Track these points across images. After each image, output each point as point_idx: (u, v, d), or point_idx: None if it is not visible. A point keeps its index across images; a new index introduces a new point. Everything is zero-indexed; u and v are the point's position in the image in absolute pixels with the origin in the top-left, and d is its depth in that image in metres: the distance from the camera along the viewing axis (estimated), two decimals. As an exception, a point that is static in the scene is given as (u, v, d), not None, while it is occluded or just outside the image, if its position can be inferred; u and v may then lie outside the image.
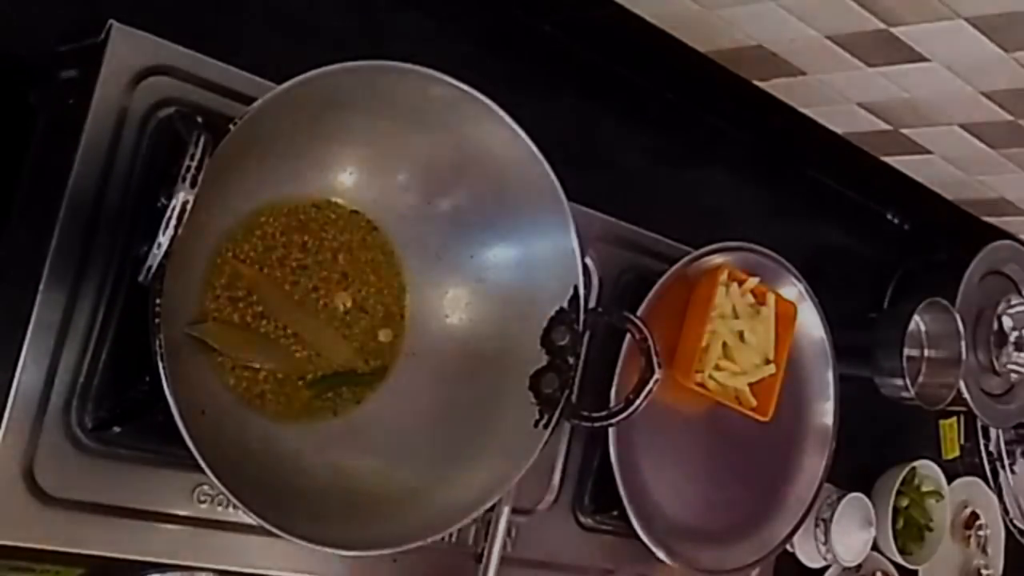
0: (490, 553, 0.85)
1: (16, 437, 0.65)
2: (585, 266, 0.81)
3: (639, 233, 0.97)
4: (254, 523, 0.64)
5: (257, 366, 0.73)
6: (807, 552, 1.25)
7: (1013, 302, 1.37)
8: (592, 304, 0.88)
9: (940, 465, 1.41)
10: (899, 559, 1.33)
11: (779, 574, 1.09)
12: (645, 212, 0.98)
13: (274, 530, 0.64)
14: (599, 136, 1.11)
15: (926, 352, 1.31)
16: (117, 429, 0.68)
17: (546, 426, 0.77)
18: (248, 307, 0.73)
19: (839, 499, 1.24)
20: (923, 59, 0.99)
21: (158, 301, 0.62)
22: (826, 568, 1.30)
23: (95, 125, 0.68)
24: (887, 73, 1.04)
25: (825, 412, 1.05)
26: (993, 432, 1.54)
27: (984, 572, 1.50)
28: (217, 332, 0.71)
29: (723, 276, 0.93)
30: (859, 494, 1.27)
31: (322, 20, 0.90)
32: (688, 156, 1.20)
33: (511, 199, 0.79)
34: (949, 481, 1.42)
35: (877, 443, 1.36)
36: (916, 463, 1.37)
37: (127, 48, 0.69)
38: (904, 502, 1.36)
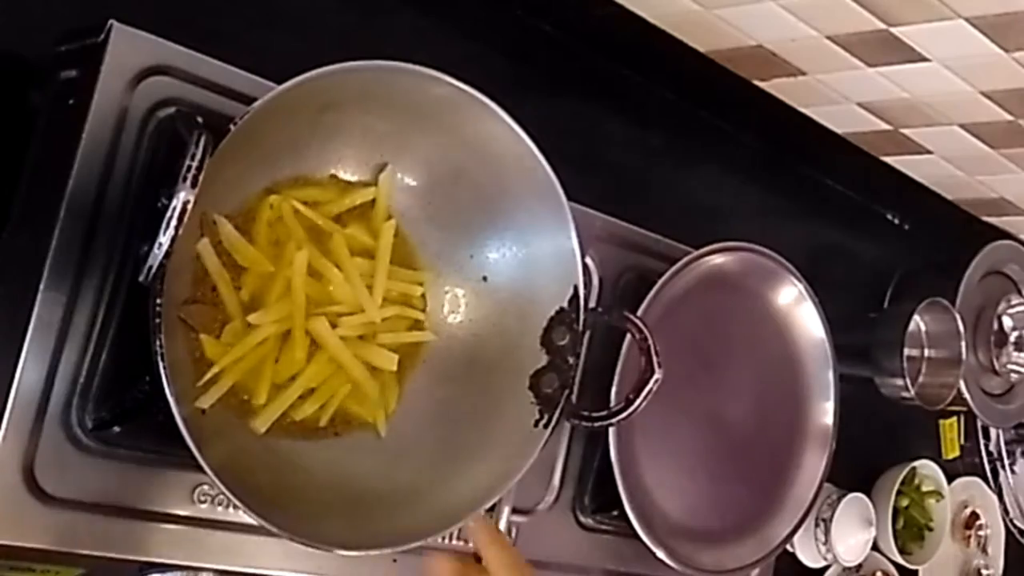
0: (490, 553, 0.85)
1: (16, 437, 0.65)
2: (585, 266, 0.81)
3: (639, 233, 0.97)
4: (254, 523, 0.64)
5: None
6: (807, 552, 1.26)
7: (1013, 302, 1.37)
8: (592, 304, 0.88)
9: (940, 465, 1.41)
10: (899, 559, 1.34)
11: (779, 574, 1.09)
12: (645, 212, 0.98)
13: (274, 530, 0.64)
14: (599, 136, 1.11)
15: (926, 352, 1.31)
16: (117, 429, 0.68)
17: (546, 426, 0.77)
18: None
19: (839, 499, 1.24)
20: (923, 59, 0.99)
21: (158, 301, 0.62)
22: (826, 568, 1.30)
23: (95, 125, 0.68)
24: (887, 73, 1.04)
25: (825, 412, 1.05)
26: (993, 432, 1.54)
27: (984, 572, 1.51)
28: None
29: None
30: (859, 494, 1.27)
31: (322, 20, 0.90)
32: (688, 156, 1.20)
33: (511, 199, 0.79)
34: (949, 481, 1.42)
35: (877, 443, 1.36)
36: (916, 463, 1.37)
37: (127, 48, 0.69)
38: (904, 502, 1.36)
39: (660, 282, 0.91)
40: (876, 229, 1.44)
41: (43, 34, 0.74)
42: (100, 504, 0.69)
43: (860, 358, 1.22)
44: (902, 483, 1.33)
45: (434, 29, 0.98)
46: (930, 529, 1.40)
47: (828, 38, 1.00)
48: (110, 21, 0.68)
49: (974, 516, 1.50)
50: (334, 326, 0.74)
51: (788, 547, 1.08)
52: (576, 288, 0.78)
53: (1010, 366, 1.37)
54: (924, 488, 1.40)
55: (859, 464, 1.32)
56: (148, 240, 0.60)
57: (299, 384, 0.73)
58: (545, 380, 0.78)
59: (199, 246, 0.69)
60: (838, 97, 1.13)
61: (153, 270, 0.61)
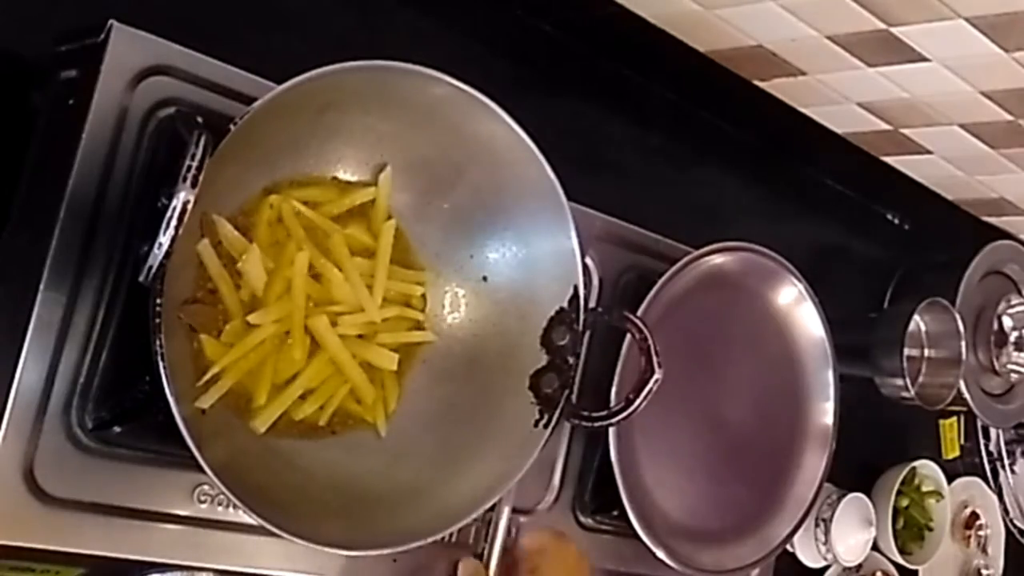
0: (490, 553, 0.85)
1: (16, 437, 0.65)
2: (585, 266, 0.81)
3: (639, 233, 0.97)
4: (254, 523, 0.64)
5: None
6: (807, 552, 1.26)
7: (1013, 302, 1.37)
8: (592, 304, 0.88)
9: (940, 465, 1.41)
10: (899, 559, 1.34)
11: (779, 574, 1.09)
12: (645, 212, 0.98)
13: (274, 530, 0.64)
14: (599, 136, 1.11)
15: (926, 352, 1.31)
16: (117, 429, 0.68)
17: (546, 426, 0.77)
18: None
19: (839, 499, 1.24)
20: (923, 59, 0.99)
21: (159, 301, 0.62)
22: (826, 568, 1.30)
23: (95, 125, 0.68)
24: (887, 73, 1.04)
25: (825, 412, 1.05)
26: (993, 432, 1.54)
27: (984, 572, 1.51)
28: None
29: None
30: (859, 494, 1.27)
31: (322, 20, 0.90)
32: (688, 156, 1.20)
33: (511, 199, 0.79)
34: (949, 481, 1.42)
35: (877, 443, 1.36)
36: (916, 463, 1.37)
37: (127, 48, 0.69)
38: (904, 502, 1.36)
39: (660, 282, 0.91)
40: (876, 229, 1.44)
41: (43, 34, 0.74)
42: (100, 504, 0.69)
43: (860, 358, 1.22)
44: (902, 483, 1.33)
45: (434, 29, 0.98)
46: (930, 529, 1.40)
47: (828, 38, 1.00)
48: (110, 21, 0.68)
49: (974, 516, 1.49)
50: (334, 324, 0.74)
51: (788, 547, 1.08)
52: (576, 288, 0.78)
53: (1010, 366, 1.36)
54: (924, 488, 1.40)
55: (859, 464, 1.32)
56: (148, 240, 0.60)
57: (299, 384, 0.73)
58: (545, 380, 0.78)
59: (199, 247, 0.69)
60: (838, 97, 1.13)
61: (153, 270, 0.61)
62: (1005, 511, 1.54)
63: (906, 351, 1.20)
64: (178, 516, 0.72)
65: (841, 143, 1.24)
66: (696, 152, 1.20)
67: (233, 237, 0.71)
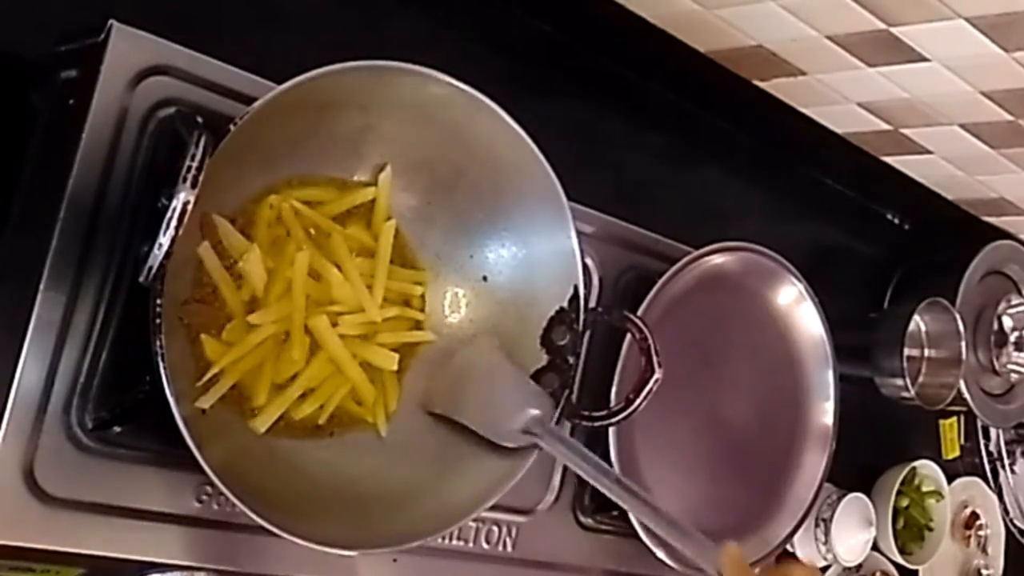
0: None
1: (16, 437, 0.65)
2: (585, 266, 0.81)
3: (639, 233, 0.97)
4: (254, 523, 0.64)
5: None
6: (807, 552, 1.25)
7: (1013, 302, 1.37)
8: (592, 304, 0.88)
9: (940, 465, 1.41)
10: (899, 559, 1.33)
11: (779, 574, 1.08)
12: (645, 212, 0.98)
13: (274, 530, 0.64)
14: (599, 136, 1.11)
15: (926, 352, 1.31)
16: (117, 429, 0.68)
17: (546, 426, 0.77)
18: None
19: (839, 499, 1.24)
20: (923, 59, 0.99)
21: (159, 301, 0.62)
22: (826, 568, 1.30)
23: (95, 125, 0.68)
24: (887, 73, 1.04)
25: (825, 412, 1.05)
26: (993, 432, 1.54)
27: (984, 572, 1.51)
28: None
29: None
30: (859, 494, 1.27)
31: (322, 20, 0.90)
32: (688, 156, 1.20)
33: (511, 199, 0.79)
34: (949, 481, 1.42)
35: (877, 443, 1.36)
36: (916, 463, 1.37)
37: (127, 48, 0.69)
38: (904, 502, 1.36)
39: (660, 282, 0.91)
40: (876, 229, 1.44)
41: (43, 34, 0.74)
42: (100, 504, 0.69)
43: (860, 358, 1.22)
44: (902, 483, 1.33)
45: (434, 29, 0.98)
46: (930, 529, 1.40)
47: (828, 38, 1.00)
48: (110, 21, 0.68)
49: (974, 516, 1.49)
50: (334, 325, 0.74)
51: (788, 547, 1.08)
52: (576, 288, 0.78)
53: (1010, 366, 1.36)
54: (924, 488, 1.40)
55: (859, 464, 1.32)
56: (148, 240, 0.60)
57: (299, 384, 0.73)
58: (545, 380, 0.78)
59: (200, 249, 0.69)
60: (838, 97, 1.13)
61: (153, 270, 0.61)
62: (1005, 511, 1.54)
63: (906, 351, 1.20)
64: (178, 516, 0.72)
65: (841, 143, 1.24)
66: (696, 152, 1.20)
67: (233, 237, 0.71)
